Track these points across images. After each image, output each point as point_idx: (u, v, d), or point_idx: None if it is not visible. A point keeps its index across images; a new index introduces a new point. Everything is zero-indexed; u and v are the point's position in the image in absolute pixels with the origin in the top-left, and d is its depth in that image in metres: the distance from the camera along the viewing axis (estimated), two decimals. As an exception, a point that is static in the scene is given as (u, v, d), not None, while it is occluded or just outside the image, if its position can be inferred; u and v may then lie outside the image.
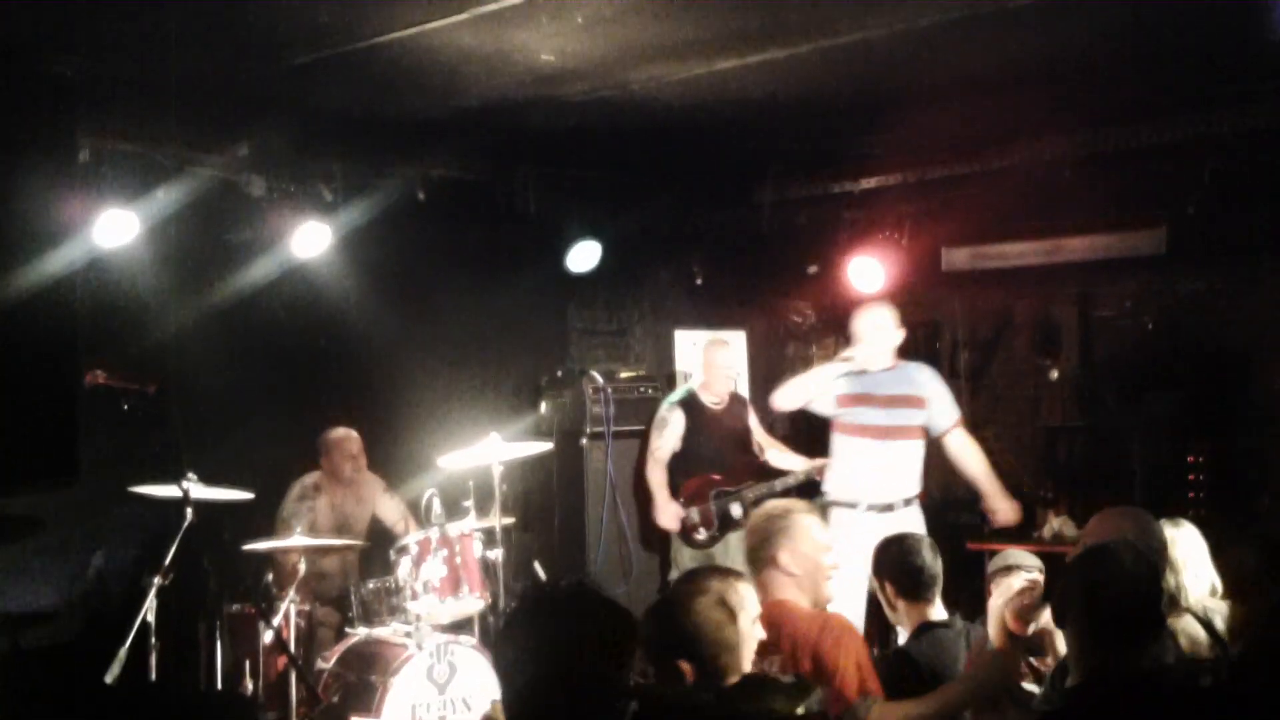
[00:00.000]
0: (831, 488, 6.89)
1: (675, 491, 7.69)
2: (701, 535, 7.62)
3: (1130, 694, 3.34)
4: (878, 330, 6.86)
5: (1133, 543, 4.01)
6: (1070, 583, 3.55)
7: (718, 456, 7.81)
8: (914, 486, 6.83)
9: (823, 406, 6.93)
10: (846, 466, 6.87)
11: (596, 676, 2.98)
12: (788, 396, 7.00)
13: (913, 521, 6.61)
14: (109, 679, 5.34)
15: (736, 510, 7.61)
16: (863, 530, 6.43)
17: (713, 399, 7.90)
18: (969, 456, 6.94)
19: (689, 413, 7.80)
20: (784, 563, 4.52)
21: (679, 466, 7.74)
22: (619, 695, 3.01)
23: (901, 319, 6.88)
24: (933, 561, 4.84)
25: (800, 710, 3.66)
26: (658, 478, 7.71)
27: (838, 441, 6.93)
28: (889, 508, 6.70)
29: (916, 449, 6.85)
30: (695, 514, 7.63)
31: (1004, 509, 6.84)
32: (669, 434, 7.75)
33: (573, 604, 3.12)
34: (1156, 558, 4.51)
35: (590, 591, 3.18)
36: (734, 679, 3.71)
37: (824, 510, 6.42)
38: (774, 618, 4.18)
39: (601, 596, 3.15)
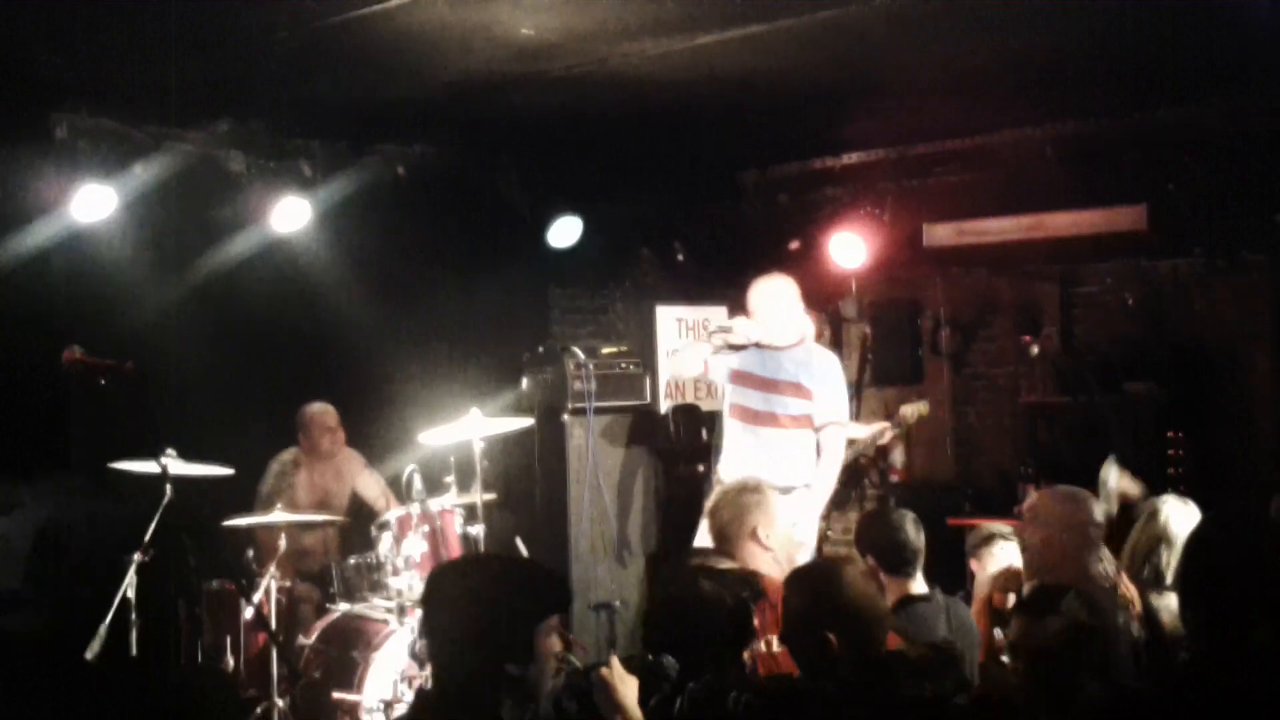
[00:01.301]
0: (719, 467, 6.68)
1: None
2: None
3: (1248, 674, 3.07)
4: (768, 305, 6.59)
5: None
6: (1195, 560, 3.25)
7: None
8: (792, 477, 6.43)
9: (718, 377, 6.74)
10: (727, 447, 6.68)
11: (498, 632, 3.00)
12: (680, 363, 6.98)
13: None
14: (89, 656, 5.33)
15: None
16: None
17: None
18: (824, 458, 6.55)
19: None
20: (762, 537, 4.56)
21: None
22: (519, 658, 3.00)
23: (882, 295, 6.83)
24: (915, 537, 4.88)
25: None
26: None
27: (725, 419, 6.74)
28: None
29: (792, 439, 6.52)
30: None
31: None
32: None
33: (487, 561, 3.20)
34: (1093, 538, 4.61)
35: (508, 555, 3.28)
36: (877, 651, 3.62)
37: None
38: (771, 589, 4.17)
39: (519, 559, 3.23)
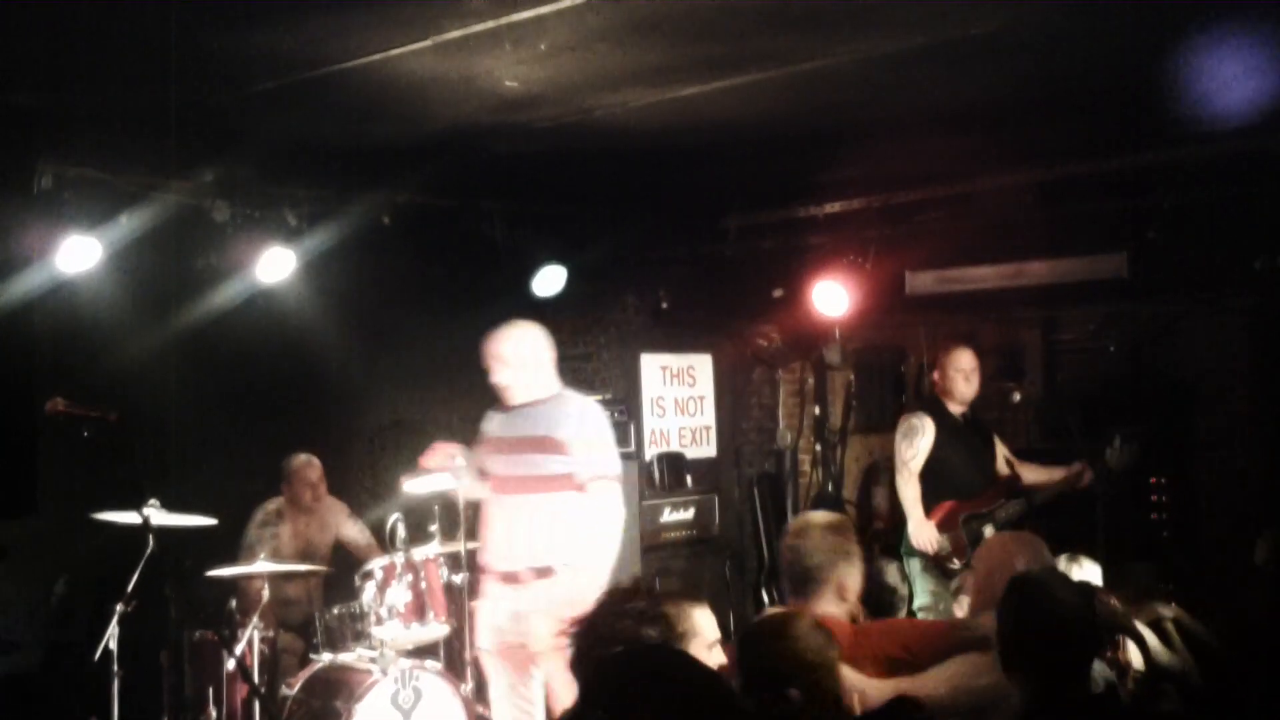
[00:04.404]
0: (482, 552, 6.02)
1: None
2: (956, 565, 7.02)
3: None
4: (512, 354, 5.91)
5: (1062, 572, 4.11)
6: (1003, 616, 3.60)
7: (966, 472, 7.35)
8: (552, 553, 5.73)
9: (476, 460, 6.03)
10: (484, 525, 6.01)
11: None
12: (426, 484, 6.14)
13: (547, 596, 5.64)
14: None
15: (989, 533, 7.10)
16: (489, 605, 5.89)
17: (957, 408, 7.47)
18: (593, 522, 5.73)
19: (938, 421, 7.38)
20: (848, 586, 4.42)
21: (925, 480, 7.34)
22: None
23: (866, 342, 6.77)
24: (900, 584, 4.89)
25: None
26: (912, 493, 7.25)
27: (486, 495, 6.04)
28: (513, 577, 5.80)
29: (550, 505, 5.77)
30: (946, 542, 7.17)
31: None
32: (921, 443, 7.29)
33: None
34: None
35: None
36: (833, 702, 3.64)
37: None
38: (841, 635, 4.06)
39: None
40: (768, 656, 3.60)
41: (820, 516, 4.73)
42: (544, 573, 5.74)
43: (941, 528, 7.22)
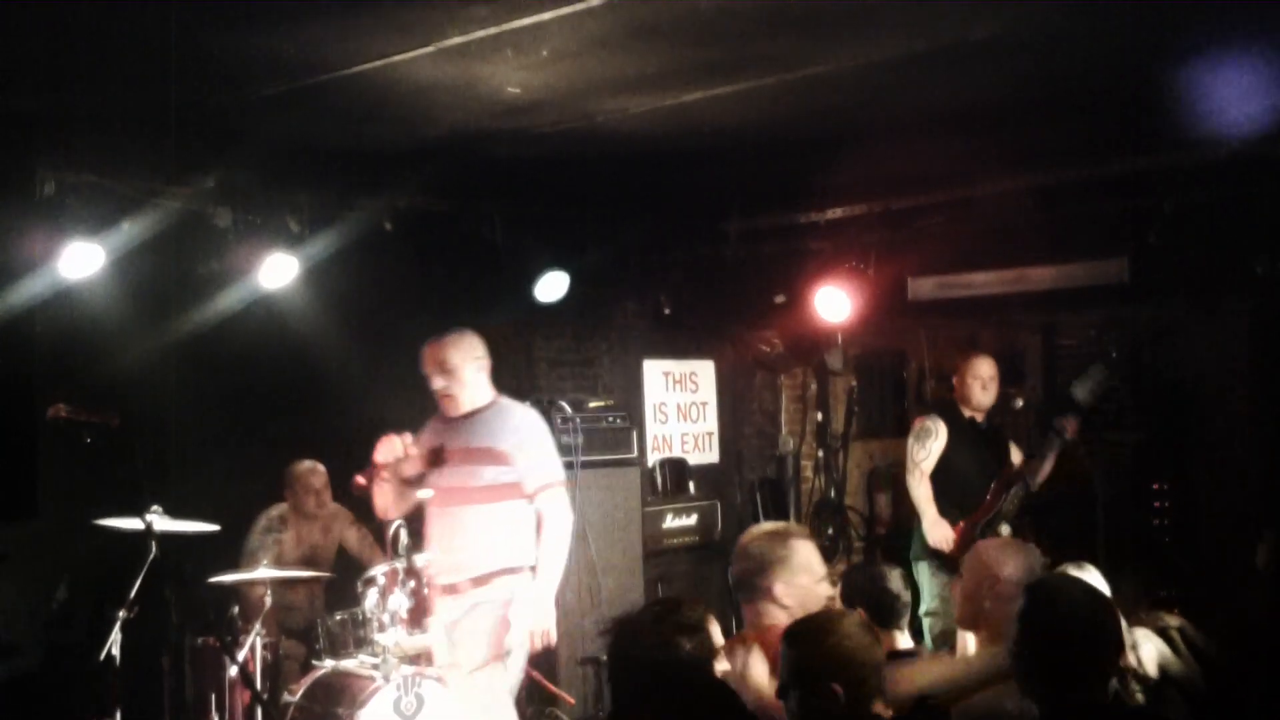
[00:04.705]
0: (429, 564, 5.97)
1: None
2: None
3: None
4: (449, 363, 5.91)
5: (1077, 576, 4.05)
6: (1020, 615, 3.47)
7: (973, 477, 7.45)
8: (495, 561, 5.76)
9: (409, 466, 5.94)
10: (428, 539, 5.97)
11: None
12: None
13: (490, 599, 5.73)
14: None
15: (1005, 531, 7.23)
16: (438, 620, 5.87)
17: (971, 414, 7.58)
18: (545, 529, 5.78)
19: (950, 425, 7.50)
20: (779, 594, 4.38)
21: (935, 482, 7.44)
22: None
23: (868, 347, 6.78)
24: (903, 590, 4.87)
25: None
26: (924, 492, 7.39)
27: (426, 508, 5.98)
28: (453, 588, 5.83)
29: (493, 515, 5.79)
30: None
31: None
32: (934, 445, 7.42)
33: None
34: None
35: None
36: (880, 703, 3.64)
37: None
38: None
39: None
40: (813, 653, 3.60)
41: (762, 525, 4.76)
42: (481, 580, 5.74)
43: (962, 546, 7.22)
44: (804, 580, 4.38)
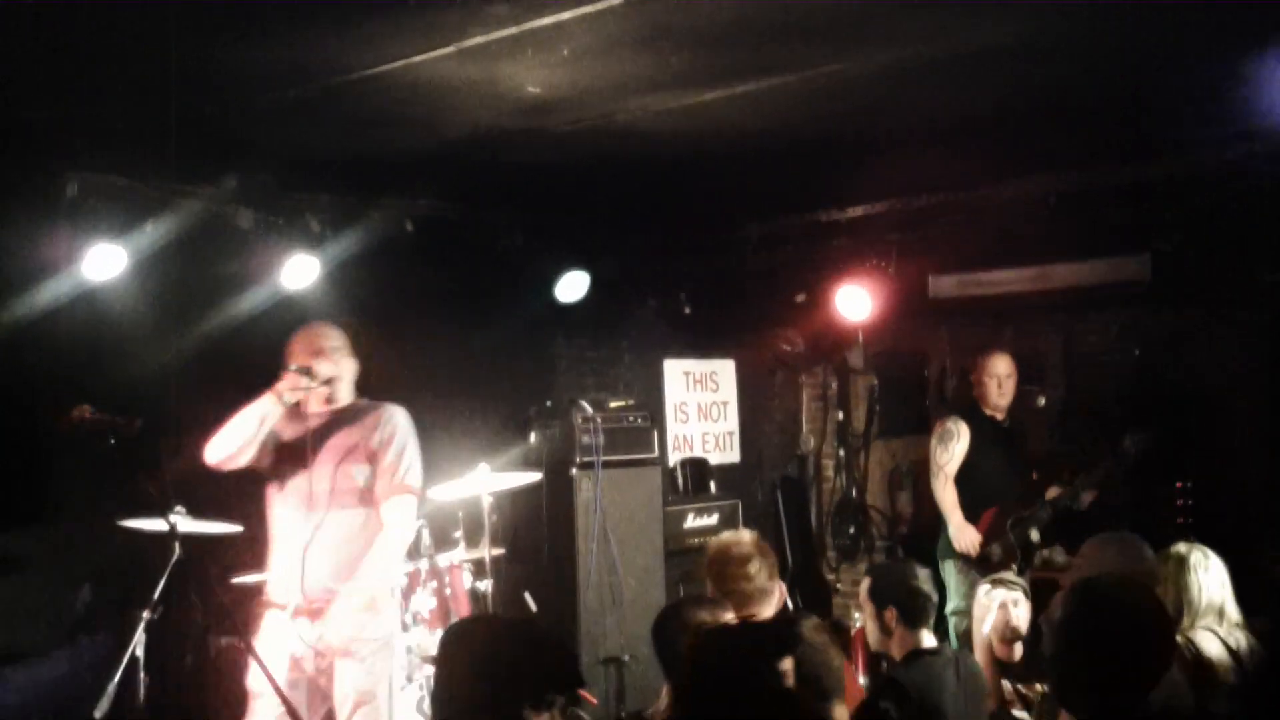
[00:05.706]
0: (270, 581, 5.58)
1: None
2: (1012, 572, 6.56)
3: None
4: (314, 355, 5.54)
5: (1133, 576, 3.99)
6: (1064, 621, 3.23)
7: (999, 476, 7.50)
8: (365, 577, 5.32)
9: (259, 459, 5.53)
10: (277, 549, 5.53)
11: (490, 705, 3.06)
12: (215, 449, 5.46)
13: (357, 623, 5.30)
14: (98, 715, 5.31)
15: (1035, 535, 7.32)
16: (287, 641, 5.39)
17: (992, 413, 7.62)
18: (378, 540, 5.37)
19: (973, 426, 7.53)
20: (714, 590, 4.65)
21: (960, 484, 7.50)
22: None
23: (888, 346, 6.75)
24: (931, 588, 4.88)
25: None
26: (949, 497, 7.44)
27: (271, 514, 5.57)
28: (316, 612, 5.34)
29: (359, 521, 5.45)
30: (997, 549, 7.26)
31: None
32: (956, 448, 7.48)
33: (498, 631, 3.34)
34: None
35: (526, 629, 3.30)
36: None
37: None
38: None
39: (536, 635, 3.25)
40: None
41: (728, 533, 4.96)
42: (341, 596, 5.31)
43: (989, 536, 7.22)
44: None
